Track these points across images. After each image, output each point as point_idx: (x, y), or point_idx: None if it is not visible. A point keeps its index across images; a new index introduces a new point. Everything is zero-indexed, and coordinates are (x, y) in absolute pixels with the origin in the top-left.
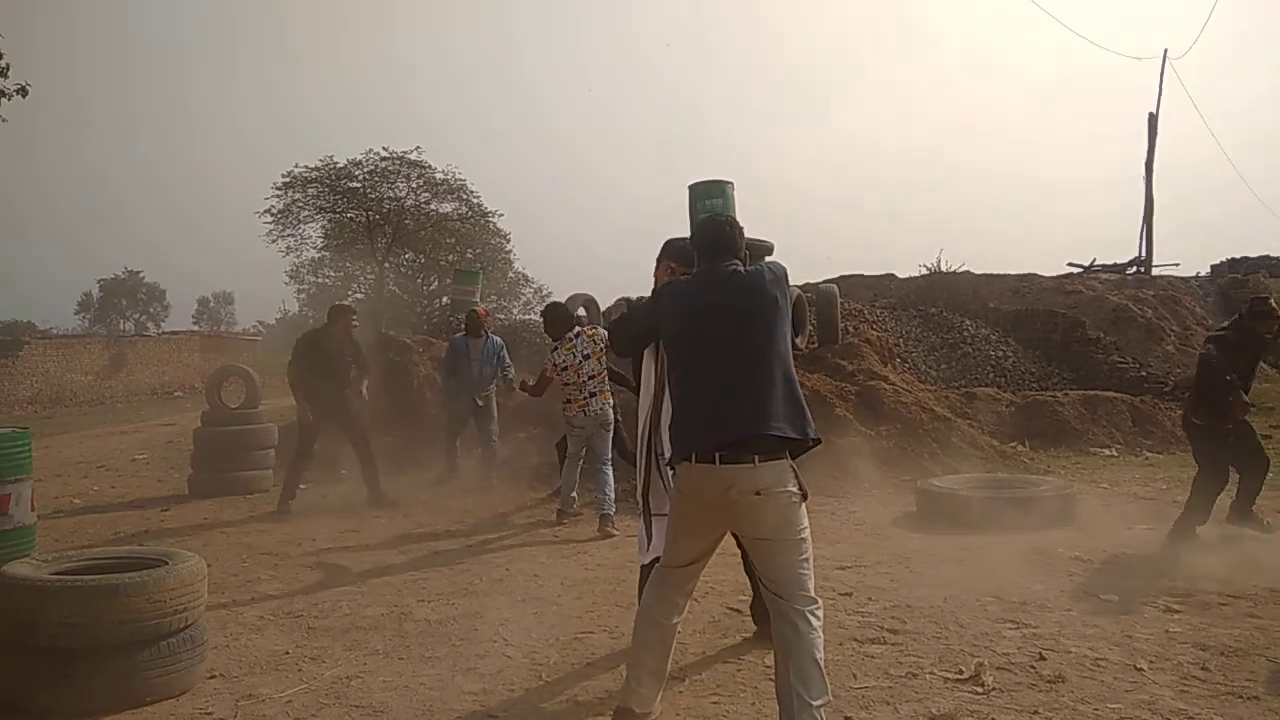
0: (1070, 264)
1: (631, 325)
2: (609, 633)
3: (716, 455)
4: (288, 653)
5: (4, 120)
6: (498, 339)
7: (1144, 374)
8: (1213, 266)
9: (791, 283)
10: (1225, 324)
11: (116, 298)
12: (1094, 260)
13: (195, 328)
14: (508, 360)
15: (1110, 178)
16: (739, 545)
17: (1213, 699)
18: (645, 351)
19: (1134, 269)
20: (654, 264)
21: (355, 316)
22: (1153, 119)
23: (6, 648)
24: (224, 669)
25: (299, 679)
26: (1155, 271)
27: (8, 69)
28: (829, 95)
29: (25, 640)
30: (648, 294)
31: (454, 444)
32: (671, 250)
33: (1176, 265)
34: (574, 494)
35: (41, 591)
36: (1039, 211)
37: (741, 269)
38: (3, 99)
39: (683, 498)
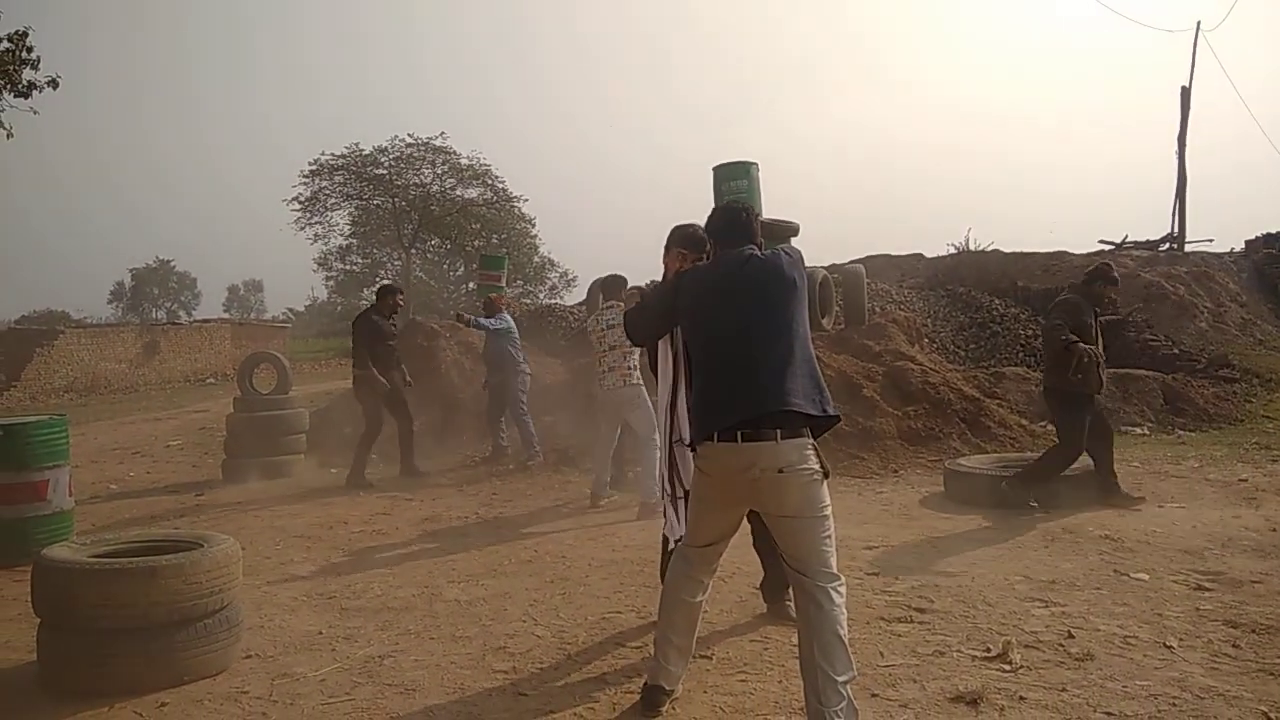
0: (1101, 241)
1: (648, 312)
2: (636, 612)
3: (739, 433)
4: (321, 633)
5: (36, 113)
6: (500, 319)
7: (1176, 351)
8: (1247, 242)
9: (818, 264)
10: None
11: (148, 286)
12: (1126, 237)
13: (226, 315)
14: (489, 322)
15: (1142, 153)
16: (751, 524)
17: (1243, 676)
18: (661, 340)
19: (1166, 245)
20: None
21: (401, 295)
22: (1185, 92)
23: (47, 629)
24: (259, 649)
25: (332, 658)
26: (1188, 248)
27: (38, 61)
28: (845, 78)
29: (65, 621)
30: (658, 280)
31: (495, 424)
32: (681, 237)
33: (1210, 241)
34: (606, 477)
35: (81, 574)
36: (1068, 188)
37: (759, 253)
38: (35, 91)
39: (705, 476)
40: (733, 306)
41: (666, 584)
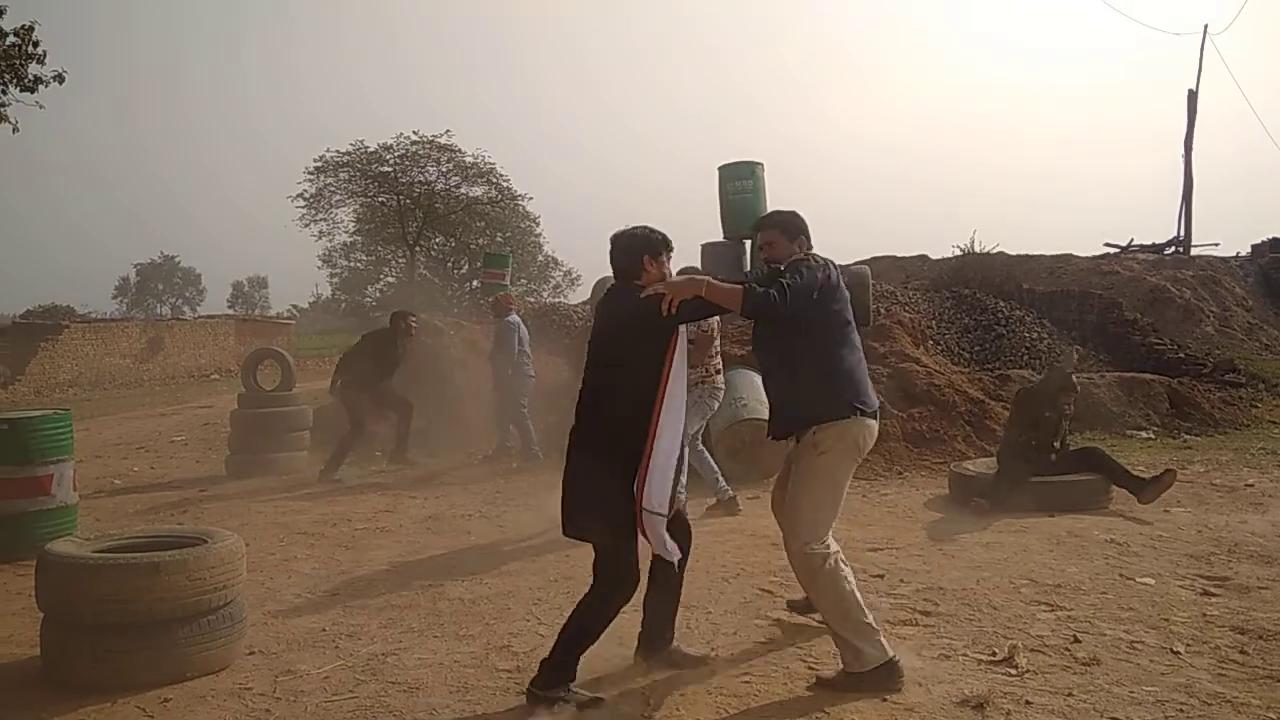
0: (1107, 244)
1: (813, 291)
2: (639, 610)
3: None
4: (324, 630)
5: (42, 107)
6: (506, 321)
7: (1182, 355)
8: (1253, 246)
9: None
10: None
11: (153, 282)
12: (1131, 240)
13: (230, 311)
14: (501, 345)
15: (1149, 157)
16: (652, 572)
17: (1251, 683)
18: (682, 329)
19: (1172, 249)
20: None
21: (414, 319)
22: (1192, 96)
23: (50, 624)
24: (262, 645)
25: (336, 655)
26: (1194, 251)
27: (44, 56)
28: (851, 82)
29: (68, 617)
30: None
31: (503, 423)
32: (664, 241)
33: (1216, 245)
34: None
35: (84, 569)
36: (1075, 191)
37: None
38: (40, 86)
39: (858, 453)
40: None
41: (838, 588)
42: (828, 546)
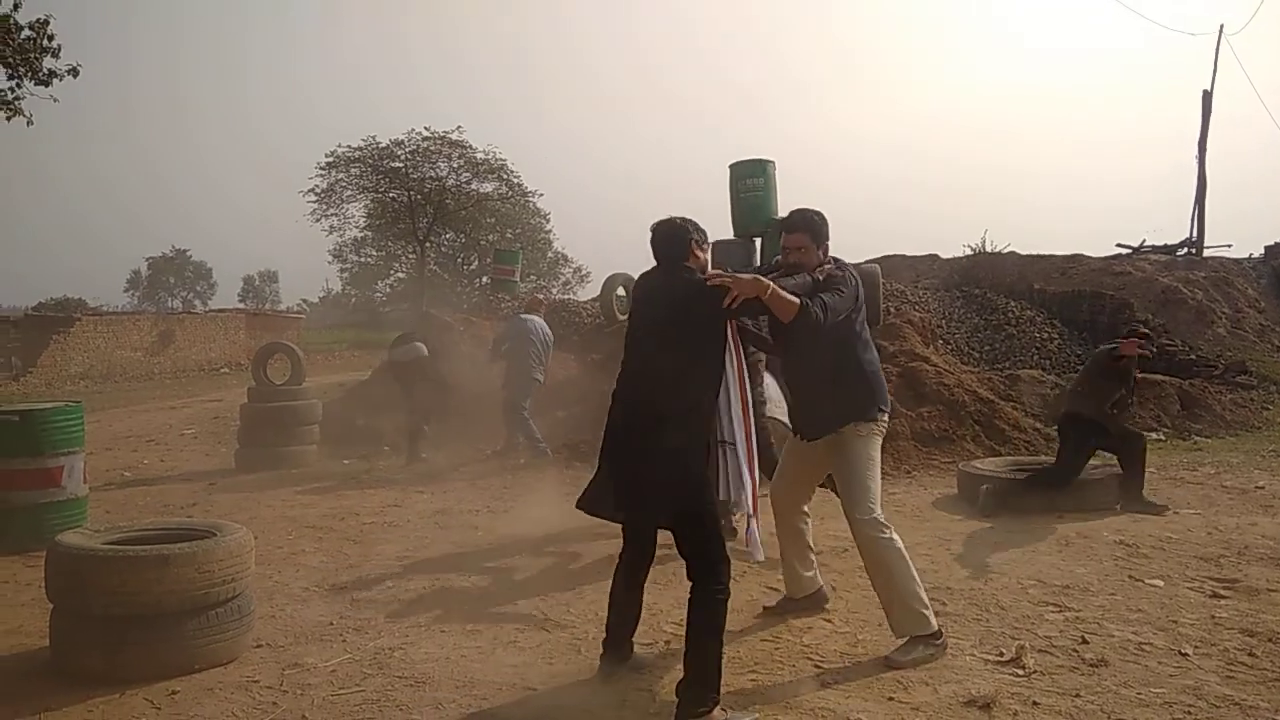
0: (1119, 245)
1: (847, 311)
2: (646, 608)
3: None
4: (332, 623)
5: (56, 100)
6: (516, 317)
7: (1193, 357)
8: (1266, 248)
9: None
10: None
11: (164, 275)
12: (1143, 241)
13: (241, 305)
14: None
15: (1160, 157)
16: (616, 577)
17: (1259, 685)
18: (730, 328)
19: (1184, 250)
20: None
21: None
22: (1207, 96)
23: (60, 615)
24: (270, 638)
25: (343, 649)
26: (1207, 253)
27: (59, 50)
28: (850, 83)
29: (78, 608)
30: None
31: (510, 421)
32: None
33: (1229, 247)
34: None
35: (94, 561)
36: (1081, 190)
37: None
38: (55, 79)
39: (881, 438)
40: None
41: (899, 555)
42: (881, 517)
